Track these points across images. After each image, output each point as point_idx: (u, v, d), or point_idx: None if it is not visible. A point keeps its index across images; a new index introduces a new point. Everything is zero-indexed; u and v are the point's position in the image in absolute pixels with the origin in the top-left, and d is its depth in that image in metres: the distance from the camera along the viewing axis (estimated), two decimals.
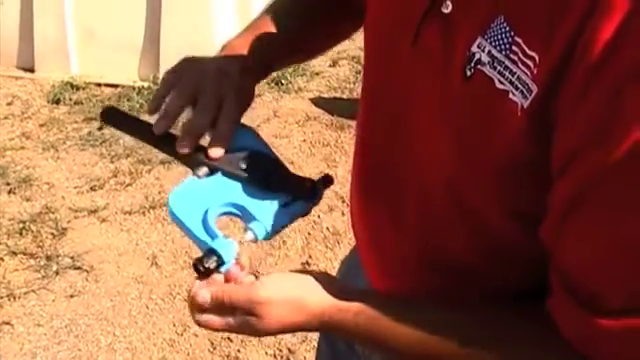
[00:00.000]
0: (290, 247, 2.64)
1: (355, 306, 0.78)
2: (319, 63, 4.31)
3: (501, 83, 0.67)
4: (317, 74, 4.16)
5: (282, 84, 3.99)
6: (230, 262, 0.81)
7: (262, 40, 0.99)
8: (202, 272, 0.79)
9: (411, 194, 0.83)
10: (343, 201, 2.89)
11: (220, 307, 0.79)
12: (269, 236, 0.86)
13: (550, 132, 0.64)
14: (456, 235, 0.79)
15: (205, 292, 0.79)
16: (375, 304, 0.78)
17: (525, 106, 0.65)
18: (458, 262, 0.81)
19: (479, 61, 0.69)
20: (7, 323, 2.44)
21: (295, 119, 3.61)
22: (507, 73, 0.67)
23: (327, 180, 0.92)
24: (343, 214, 2.86)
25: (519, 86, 0.66)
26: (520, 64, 0.65)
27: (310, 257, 2.68)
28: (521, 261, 0.78)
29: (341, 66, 4.24)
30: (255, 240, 0.85)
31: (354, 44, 4.52)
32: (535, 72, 0.64)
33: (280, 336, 2.37)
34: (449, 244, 0.81)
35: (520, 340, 0.74)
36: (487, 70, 0.68)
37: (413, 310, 0.79)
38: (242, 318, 0.78)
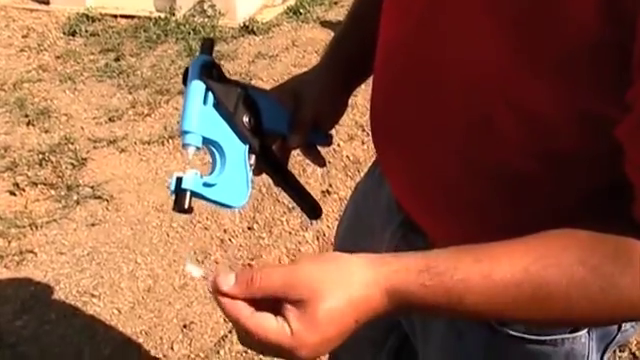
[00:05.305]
0: (310, 175, 2.61)
1: (414, 265, 0.65)
2: None
3: None
4: (336, 3, 4.07)
5: (301, 13, 3.91)
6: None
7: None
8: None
9: (453, 95, 0.76)
10: (363, 130, 2.85)
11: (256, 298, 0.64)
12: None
13: (628, 17, 0.59)
14: (509, 136, 0.73)
15: (229, 276, 0.64)
16: (439, 256, 0.66)
17: None
18: (509, 168, 0.76)
19: None
20: (30, 251, 2.46)
21: (314, 48, 3.55)
22: None
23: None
24: (363, 142, 2.82)
25: None
26: None
27: (330, 185, 2.66)
28: (578, 166, 0.73)
29: None
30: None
31: None
32: None
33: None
34: (501, 147, 0.75)
35: (608, 254, 0.65)
36: None
37: (486, 257, 0.66)
38: (285, 312, 0.64)
